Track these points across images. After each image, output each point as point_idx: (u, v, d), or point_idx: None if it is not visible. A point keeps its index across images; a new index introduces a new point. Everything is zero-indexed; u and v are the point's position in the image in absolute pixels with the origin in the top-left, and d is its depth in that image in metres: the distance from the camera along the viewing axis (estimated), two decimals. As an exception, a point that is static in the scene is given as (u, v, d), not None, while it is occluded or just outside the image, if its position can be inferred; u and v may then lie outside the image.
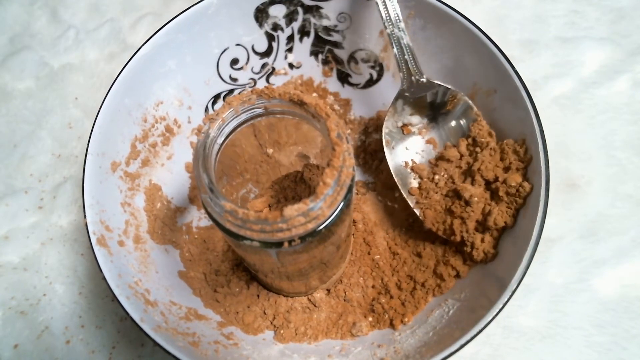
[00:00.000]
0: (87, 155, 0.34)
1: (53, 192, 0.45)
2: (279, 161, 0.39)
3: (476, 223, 0.34)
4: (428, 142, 0.38)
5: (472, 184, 0.34)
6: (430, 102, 0.37)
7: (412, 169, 0.37)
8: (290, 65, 0.44)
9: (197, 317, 0.35)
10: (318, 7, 0.40)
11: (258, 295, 0.38)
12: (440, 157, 0.37)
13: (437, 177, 0.36)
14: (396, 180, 0.37)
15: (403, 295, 0.36)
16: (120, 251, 0.33)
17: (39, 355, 0.39)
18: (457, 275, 0.35)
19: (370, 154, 0.43)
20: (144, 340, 0.39)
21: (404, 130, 0.38)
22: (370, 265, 0.39)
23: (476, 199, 0.33)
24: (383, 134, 0.37)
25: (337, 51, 0.43)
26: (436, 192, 0.36)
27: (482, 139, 0.35)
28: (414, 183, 0.37)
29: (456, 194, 0.35)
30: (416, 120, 0.38)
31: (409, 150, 0.38)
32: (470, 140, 0.36)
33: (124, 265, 0.33)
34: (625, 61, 0.45)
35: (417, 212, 0.36)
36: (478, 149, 0.35)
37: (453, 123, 0.37)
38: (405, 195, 0.36)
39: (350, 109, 0.44)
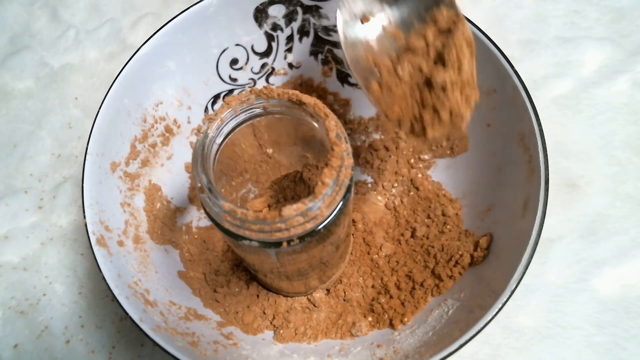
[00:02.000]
0: (87, 156, 0.34)
1: (53, 192, 0.45)
2: (278, 161, 0.39)
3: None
4: (391, 33, 0.33)
5: (445, 68, 0.29)
6: None
7: (374, 63, 0.31)
8: (290, 65, 0.44)
9: (196, 317, 0.35)
10: (317, 7, 0.40)
11: (258, 295, 0.38)
12: (404, 49, 0.31)
13: (400, 70, 0.31)
14: (354, 76, 0.32)
15: (402, 295, 0.36)
16: (120, 251, 0.33)
17: (39, 355, 0.39)
18: (454, 276, 0.35)
19: (370, 154, 0.43)
20: (143, 340, 0.39)
21: (363, 20, 0.33)
22: (370, 265, 0.39)
23: (450, 84, 0.29)
24: (338, 25, 0.33)
25: (336, 51, 0.43)
26: (399, 87, 0.30)
27: (446, 25, 0.30)
28: (375, 80, 0.31)
29: (426, 84, 0.30)
30: (377, 8, 0.33)
31: (368, 43, 0.33)
32: (436, 27, 0.31)
33: (124, 265, 0.33)
34: (625, 61, 0.45)
35: (380, 112, 0.31)
36: (448, 35, 0.30)
37: (419, 11, 0.32)
38: (365, 93, 0.31)
39: (350, 109, 0.44)
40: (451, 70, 0.29)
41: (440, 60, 0.30)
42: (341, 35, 0.33)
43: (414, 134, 0.30)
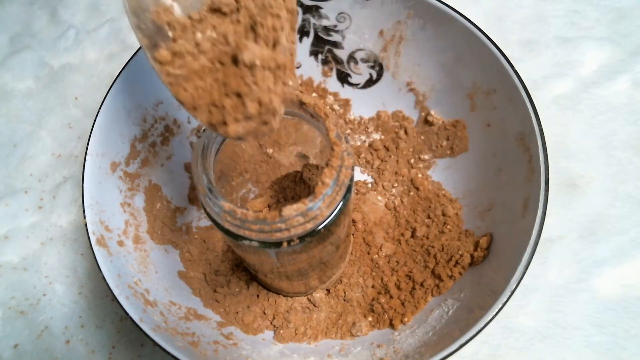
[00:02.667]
0: (87, 156, 0.34)
1: (53, 192, 0.45)
2: (278, 161, 0.38)
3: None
4: None
5: (256, 41, 0.23)
6: None
7: (168, 23, 0.23)
8: (290, 65, 0.44)
9: (196, 317, 0.35)
10: (317, 7, 0.40)
11: (258, 295, 0.38)
12: (208, 8, 0.24)
13: (199, 35, 0.24)
14: (137, 37, 0.23)
15: (403, 295, 0.36)
16: (120, 251, 0.33)
17: (39, 355, 0.39)
18: (454, 276, 0.35)
19: (370, 154, 0.43)
20: (143, 340, 0.39)
21: None
22: (370, 265, 0.39)
23: (259, 62, 0.22)
24: None
25: (336, 51, 0.43)
26: (197, 59, 0.23)
27: None
28: (165, 44, 0.23)
29: (232, 59, 0.23)
30: None
31: None
32: None
33: (124, 265, 0.33)
34: (625, 61, 0.45)
35: (169, 88, 0.23)
36: None
37: None
38: (150, 62, 0.24)
39: (350, 109, 0.44)
40: (264, 44, 0.23)
41: (253, 30, 0.23)
42: None
43: (213, 126, 0.23)
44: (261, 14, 0.23)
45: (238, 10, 0.24)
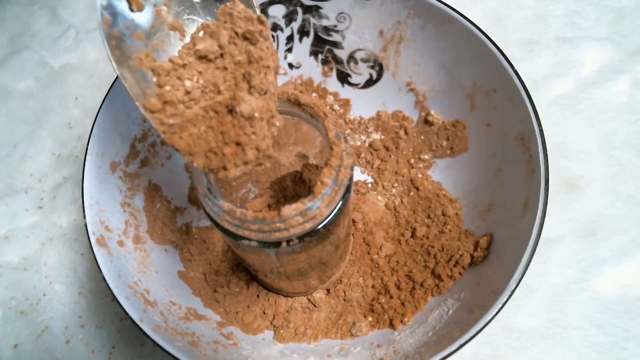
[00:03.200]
0: (87, 156, 0.34)
1: (53, 192, 0.45)
2: (278, 161, 0.38)
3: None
4: (172, 27, 0.24)
5: (250, 92, 0.23)
6: None
7: (152, 69, 0.23)
8: (290, 66, 0.44)
9: (196, 317, 0.35)
10: (317, 7, 0.40)
11: (258, 295, 0.38)
12: (194, 54, 0.24)
13: (188, 83, 0.23)
14: (127, 88, 0.23)
15: (402, 295, 0.36)
16: (120, 251, 0.33)
17: (39, 355, 0.39)
18: (454, 276, 0.35)
19: (370, 154, 0.43)
20: (143, 340, 0.39)
21: (133, 5, 0.23)
22: (370, 265, 0.39)
23: (258, 114, 0.22)
24: (98, 7, 0.23)
25: (336, 51, 0.43)
26: (189, 107, 0.23)
27: (244, 26, 0.23)
28: (153, 92, 0.23)
29: (227, 108, 0.23)
30: None
31: (144, 40, 0.24)
32: (232, 27, 0.24)
33: (124, 265, 0.33)
34: (625, 61, 0.45)
35: (163, 136, 0.24)
36: (248, 43, 0.24)
37: None
38: (141, 111, 0.23)
39: (350, 108, 0.44)
40: (257, 94, 0.23)
41: (244, 77, 0.23)
42: (103, 22, 0.23)
43: (211, 170, 0.24)
44: (254, 66, 0.23)
45: (222, 55, 0.24)
